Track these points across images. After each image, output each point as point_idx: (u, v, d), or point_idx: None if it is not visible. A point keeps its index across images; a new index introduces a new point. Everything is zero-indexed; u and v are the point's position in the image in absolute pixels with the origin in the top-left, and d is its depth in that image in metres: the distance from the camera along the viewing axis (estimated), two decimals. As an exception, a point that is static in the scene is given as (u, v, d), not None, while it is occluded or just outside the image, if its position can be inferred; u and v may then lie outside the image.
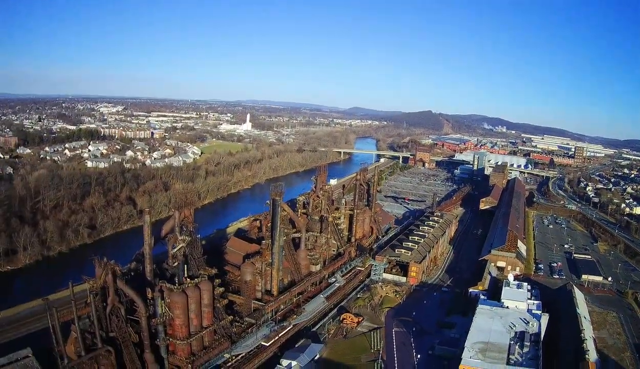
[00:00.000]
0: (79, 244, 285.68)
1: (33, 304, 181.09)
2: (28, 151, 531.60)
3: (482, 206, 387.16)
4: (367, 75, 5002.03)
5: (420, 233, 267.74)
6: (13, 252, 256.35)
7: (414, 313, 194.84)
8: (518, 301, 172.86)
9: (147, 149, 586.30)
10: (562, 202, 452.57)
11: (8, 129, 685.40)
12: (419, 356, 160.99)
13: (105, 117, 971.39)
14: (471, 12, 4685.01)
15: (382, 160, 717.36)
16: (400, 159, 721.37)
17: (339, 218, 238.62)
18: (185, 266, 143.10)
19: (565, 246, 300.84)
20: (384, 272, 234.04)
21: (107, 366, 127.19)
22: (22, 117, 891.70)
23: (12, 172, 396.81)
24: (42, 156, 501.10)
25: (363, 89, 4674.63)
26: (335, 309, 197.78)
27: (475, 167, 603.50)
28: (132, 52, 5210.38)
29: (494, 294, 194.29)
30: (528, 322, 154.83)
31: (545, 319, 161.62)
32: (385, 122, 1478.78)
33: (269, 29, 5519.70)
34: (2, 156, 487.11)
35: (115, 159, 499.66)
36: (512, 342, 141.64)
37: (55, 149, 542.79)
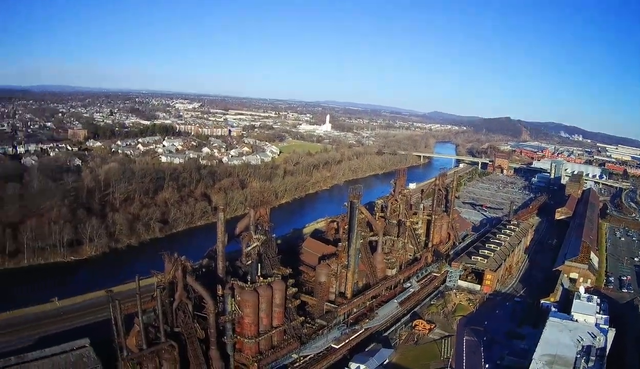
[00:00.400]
0: (149, 238, 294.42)
1: (96, 295, 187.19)
2: (98, 144, 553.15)
3: (558, 216, 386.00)
4: (447, 80, 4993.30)
5: (497, 241, 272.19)
6: (78, 243, 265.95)
7: (485, 322, 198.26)
8: (587, 314, 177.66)
9: (224, 146, 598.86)
10: (633, 215, 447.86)
11: (77, 122, 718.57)
12: (487, 366, 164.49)
13: (181, 113, 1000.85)
14: (553, 17, 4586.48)
15: (461, 165, 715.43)
16: (479, 165, 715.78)
17: (417, 223, 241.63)
18: (259, 264, 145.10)
19: (636, 259, 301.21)
20: (459, 279, 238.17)
21: (169, 360, 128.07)
22: (93, 110, 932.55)
23: (80, 164, 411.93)
24: (113, 149, 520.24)
25: (443, 94, 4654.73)
26: (408, 315, 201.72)
27: (552, 176, 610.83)
28: (210, 49, 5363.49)
29: (565, 305, 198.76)
30: (595, 336, 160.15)
31: (612, 333, 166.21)
32: (464, 128, 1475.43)
33: (350, 30, 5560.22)
34: (70, 148, 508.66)
35: (191, 156, 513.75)
36: (578, 356, 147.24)
37: (128, 143, 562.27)
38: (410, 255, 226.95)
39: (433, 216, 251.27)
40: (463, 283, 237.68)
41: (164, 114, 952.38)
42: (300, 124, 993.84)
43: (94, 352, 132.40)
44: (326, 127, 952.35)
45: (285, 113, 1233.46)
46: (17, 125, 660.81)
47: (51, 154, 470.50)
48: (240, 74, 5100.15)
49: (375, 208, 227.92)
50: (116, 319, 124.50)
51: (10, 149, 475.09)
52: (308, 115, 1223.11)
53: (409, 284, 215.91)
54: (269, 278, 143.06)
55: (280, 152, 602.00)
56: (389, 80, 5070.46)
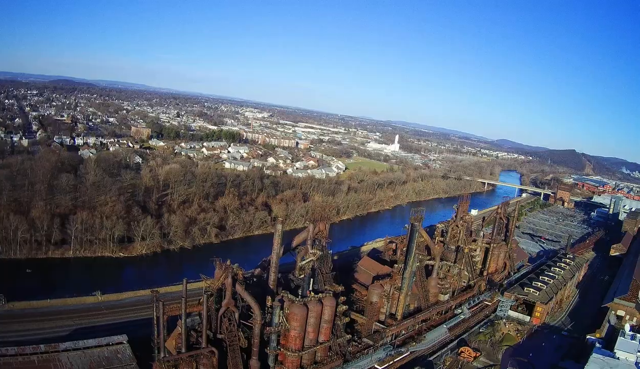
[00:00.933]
0: (204, 242, 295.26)
1: (140, 294, 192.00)
2: (161, 143, 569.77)
3: (612, 252, 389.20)
4: (517, 109, 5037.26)
5: (551, 274, 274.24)
6: (129, 240, 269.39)
7: (530, 354, 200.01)
8: (629, 352, 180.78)
9: (290, 157, 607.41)
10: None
11: (141, 120, 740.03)
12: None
13: (250, 121, 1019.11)
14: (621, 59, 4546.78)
15: (523, 195, 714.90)
16: (542, 195, 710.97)
17: (475, 250, 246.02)
18: (312, 279, 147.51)
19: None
20: (510, 309, 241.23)
21: (207, 366, 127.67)
22: (159, 110, 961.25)
23: (140, 162, 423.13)
24: (176, 150, 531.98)
25: (512, 122, 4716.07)
26: (456, 341, 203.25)
27: (610, 211, 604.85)
28: (284, 60, 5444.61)
29: (610, 342, 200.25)
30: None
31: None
32: (530, 157, 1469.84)
33: (424, 54, 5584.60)
34: (131, 145, 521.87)
35: (256, 164, 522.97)
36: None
37: (192, 146, 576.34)
38: (464, 282, 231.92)
39: (492, 245, 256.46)
40: (513, 313, 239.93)
41: (232, 120, 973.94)
42: (369, 142, 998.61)
43: (131, 349, 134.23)
44: (394, 147, 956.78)
45: (355, 130, 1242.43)
46: (78, 117, 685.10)
47: (111, 149, 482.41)
48: (313, 87, 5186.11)
49: (436, 232, 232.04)
50: (158, 320, 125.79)
51: (69, 140, 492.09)
52: (377, 133, 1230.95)
53: (460, 311, 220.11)
54: (320, 294, 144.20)
55: (346, 168, 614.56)
56: (460, 105, 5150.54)
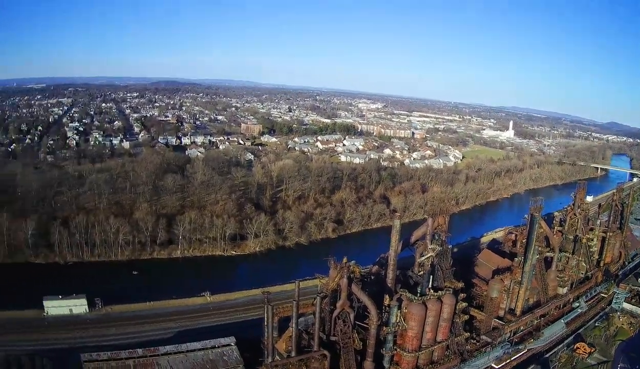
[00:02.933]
0: (320, 237, 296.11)
1: (251, 294, 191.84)
2: (273, 139, 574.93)
3: None
4: (625, 90, 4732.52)
5: None
6: (241, 238, 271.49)
7: None
8: None
9: (406, 148, 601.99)
10: None
11: (252, 117, 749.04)
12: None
13: (364, 113, 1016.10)
14: None
15: (635, 179, 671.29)
16: None
17: (592, 240, 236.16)
18: (431, 276, 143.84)
19: None
20: (624, 301, 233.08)
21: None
22: (270, 106, 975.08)
23: (252, 158, 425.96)
24: (289, 146, 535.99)
25: (620, 104, 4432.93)
26: (572, 337, 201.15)
27: None
28: (393, 49, 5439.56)
29: None
30: None
31: None
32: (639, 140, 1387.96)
33: (536, 36, 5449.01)
34: (241, 142, 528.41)
35: (372, 156, 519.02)
36: None
37: (306, 140, 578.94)
38: (582, 273, 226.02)
39: (608, 233, 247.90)
40: (627, 305, 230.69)
41: (346, 112, 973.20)
42: (484, 129, 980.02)
43: (238, 352, 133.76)
44: (509, 134, 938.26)
45: (469, 117, 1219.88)
46: (184, 117, 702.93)
47: (220, 147, 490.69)
48: (424, 75, 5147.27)
49: (554, 222, 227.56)
50: (268, 322, 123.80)
51: (174, 140, 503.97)
52: (492, 120, 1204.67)
53: (577, 304, 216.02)
54: (439, 292, 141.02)
55: (463, 157, 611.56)
56: (569, 88, 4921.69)
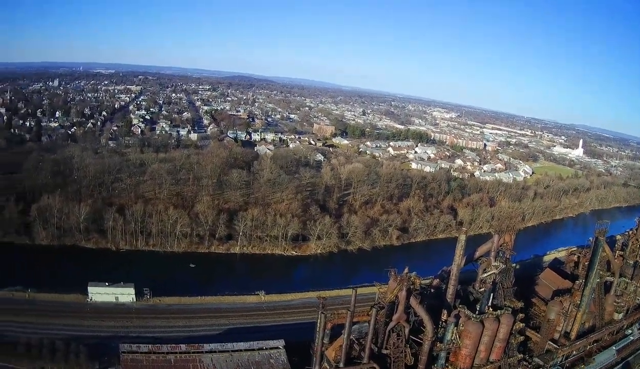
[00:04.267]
0: (384, 244, 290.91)
1: (308, 296, 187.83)
2: (345, 141, 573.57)
3: None
4: None
5: None
6: (303, 238, 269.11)
7: None
8: None
9: (477, 160, 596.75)
10: None
11: (325, 118, 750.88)
12: None
13: (437, 121, 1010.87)
14: None
15: None
16: None
17: None
18: (492, 294, 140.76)
19: None
20: None
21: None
22: (344, 108, 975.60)
23: (322, 159, 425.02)
24: (361, 149, 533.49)
25: None
26: (621, 364, 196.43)
27: None
28: (469, 58, 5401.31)
29: None
30: None
31: None
32: None
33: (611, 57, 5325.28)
34: (312, 142, 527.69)
35: (443, 166, 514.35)
36: None
37: (378, 145, 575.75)
38: (638, 299, 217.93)
39: None
40: None
41: (420, 120, 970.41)
42: (554, 146, 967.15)
43: (286, 355, 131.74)
44: (578, 152, 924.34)
45: (541, 133, 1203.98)
46: (256, 113, 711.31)
47: (291, 145, 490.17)
48: (500, 88, 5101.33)
49: (616, 245, 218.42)
50: (320, 328, 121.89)
51: (244, 136, 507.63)
52: (562, 137, 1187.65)
53: (629, 331, 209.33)
54: (498, 310, 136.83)
55: (532, 172, 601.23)
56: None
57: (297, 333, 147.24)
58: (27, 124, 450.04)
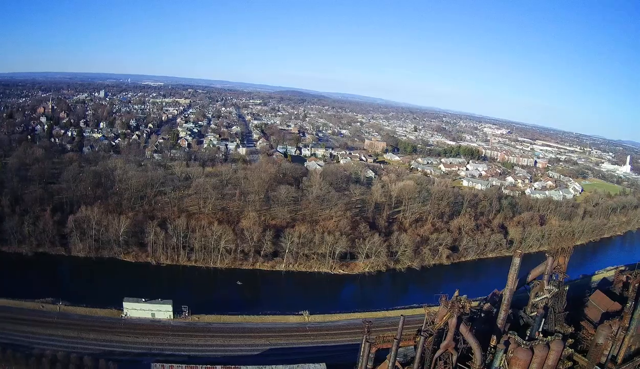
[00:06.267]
0: (433, 263, 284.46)
1: (354, 316, 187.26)
2: (396, 158, 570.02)
3: None
4: None
5: None
6: (351, 256, 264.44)
7: None
8: None
9: (528, 177, 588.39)
10: None
11: (377, 133, 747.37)
12: None
13: (488, 138, 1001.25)
14: None
15: None
16: None
17: None
18: (543, 319, 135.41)
19: None
20: None
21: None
22: (395, 124, 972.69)
23: (372, 176, 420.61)
24: (412, 166, 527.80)
25: None
26: None
27: None
28: (520, 76, 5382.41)
29: None
30: None
31: None
32: None
33: None
34: (363, 158, 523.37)
35: (494, 183, 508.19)
36: None
37: (429, 162, 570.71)
38: None
39: None
40: None
41: (471, 136, 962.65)
42: (603, 163, 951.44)
43: None
44: (626, 169, 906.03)
45: (590, 149, 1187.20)
46: (306, 128, 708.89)
47: (341, 161, 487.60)
48: (549, 105, 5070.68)
49: None
50: (364, 352, 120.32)
51: (294, 150, 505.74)
52: (610, 153, 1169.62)
53: None
54: (549, 337, 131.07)
55: (582, 190, 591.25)
56: None
57: (341, 355, 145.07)
58: (69, 133, 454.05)
